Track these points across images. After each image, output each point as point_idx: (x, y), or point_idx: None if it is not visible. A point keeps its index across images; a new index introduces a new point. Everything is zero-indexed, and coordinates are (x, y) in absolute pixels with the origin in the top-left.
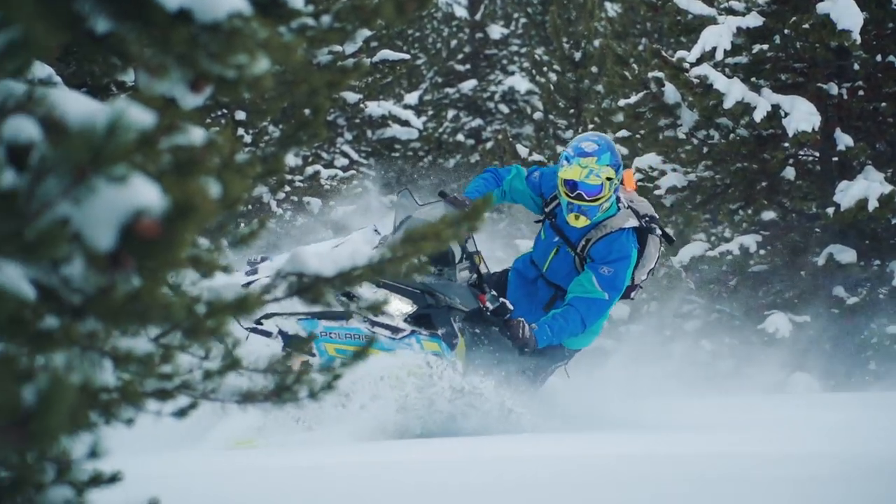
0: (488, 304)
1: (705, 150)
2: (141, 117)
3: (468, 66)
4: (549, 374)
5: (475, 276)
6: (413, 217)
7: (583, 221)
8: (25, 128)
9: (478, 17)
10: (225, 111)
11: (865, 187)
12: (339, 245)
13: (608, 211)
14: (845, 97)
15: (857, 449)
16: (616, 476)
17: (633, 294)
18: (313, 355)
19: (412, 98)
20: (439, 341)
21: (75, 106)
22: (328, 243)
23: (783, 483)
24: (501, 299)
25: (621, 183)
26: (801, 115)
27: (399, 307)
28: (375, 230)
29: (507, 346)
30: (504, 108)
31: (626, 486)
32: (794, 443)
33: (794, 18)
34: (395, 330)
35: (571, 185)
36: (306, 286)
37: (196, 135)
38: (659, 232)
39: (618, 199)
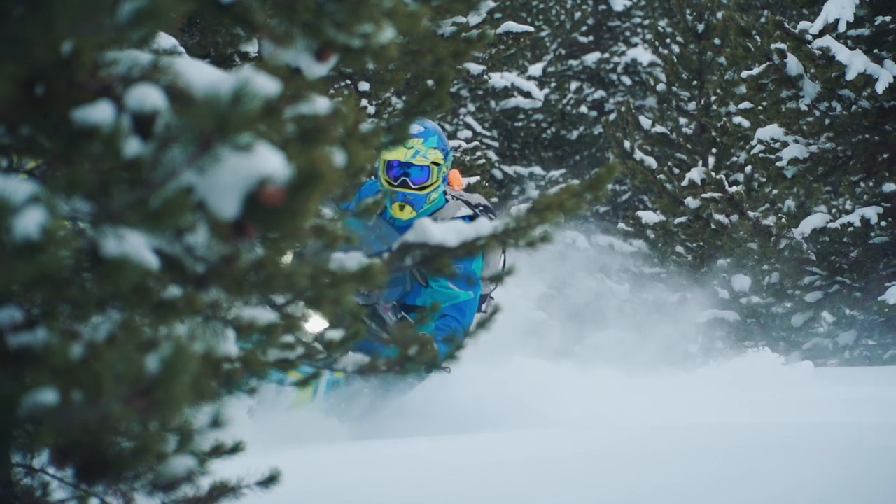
0: (391, 315)
1: (827, 121)
2: (266, 86)
3: (591, 38)
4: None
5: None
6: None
7: (409, 212)
8: (150, 96)
9: None
10: (348, 82)
11: None
12: None
13: (436, 202)
14: None
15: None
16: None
17: (484, 306)
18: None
19: (536, 70)
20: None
21: (200, 75)
22: None
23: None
24: (402, 313)
25: (448, 184)
26: None
27: (316, 324)
28: None
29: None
30: (627, 80)
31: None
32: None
33: None
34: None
35: (396, 172)
36: (430, 257)
37: (321, 104)
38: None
39: (445, 193)
